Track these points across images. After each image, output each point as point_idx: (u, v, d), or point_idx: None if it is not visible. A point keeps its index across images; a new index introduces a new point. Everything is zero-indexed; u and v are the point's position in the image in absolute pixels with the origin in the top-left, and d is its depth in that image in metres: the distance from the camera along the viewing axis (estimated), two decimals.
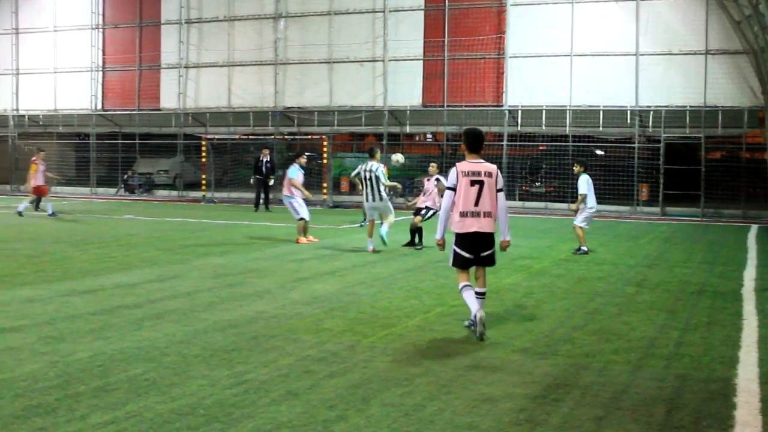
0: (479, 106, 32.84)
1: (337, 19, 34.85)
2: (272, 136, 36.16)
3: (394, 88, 33.77)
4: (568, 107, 31.38)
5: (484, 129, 33.90)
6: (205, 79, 37.65)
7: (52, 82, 40.83)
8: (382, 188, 17.10)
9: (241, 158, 38.82)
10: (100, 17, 39.82)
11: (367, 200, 17.31)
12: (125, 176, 39.86)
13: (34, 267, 14.24)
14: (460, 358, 8.14)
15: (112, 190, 39.54)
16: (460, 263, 9.27)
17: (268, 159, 30.15)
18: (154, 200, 36.58)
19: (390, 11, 33.78)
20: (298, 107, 35.74)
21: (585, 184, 17.72)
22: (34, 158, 26.19)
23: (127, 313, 10.15)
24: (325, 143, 33.46)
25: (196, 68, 37.81)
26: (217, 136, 36.25)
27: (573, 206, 18.39)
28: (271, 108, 36.02)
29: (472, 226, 9.15)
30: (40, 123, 41.78)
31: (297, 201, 18.68)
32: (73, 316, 9.93)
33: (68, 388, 6.87)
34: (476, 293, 9.21)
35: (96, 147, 39.88)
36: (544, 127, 32.01)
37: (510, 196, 32.44)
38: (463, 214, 9.14)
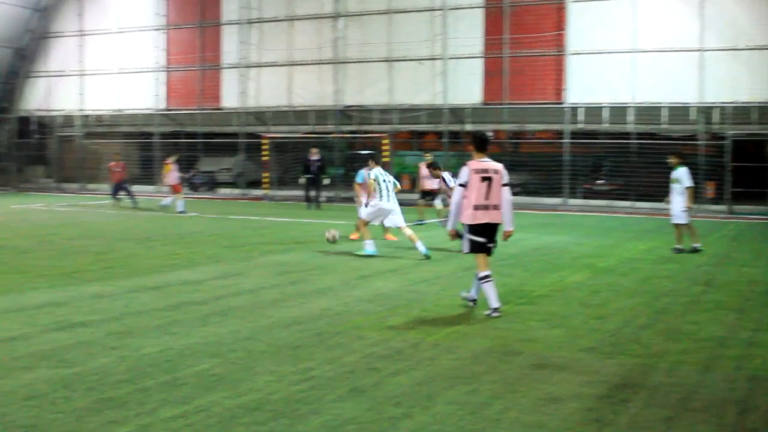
0: (540, 103, 32.59)
1: (397, 17, 34.86)
2: (332, 135, 36.33)
3: (454, 86, 33.67)
4: (630, 104, 30.95)
5: (544, 127, 34.12)
6: (266, 79, 37.96)
7: (117, 83, 41.54)
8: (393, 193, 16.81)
9: (301, 156, 38.98)
10: (164, 18, 40.40)
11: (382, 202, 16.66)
12: (188, 175, 40.35)
13: (103, 264, 14.50)
14: (525, 357, 8.07)
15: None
16: (477, 247, 10.23)
17: (318, 158, 30.32)
18: (217, 198, 36.99)
19: (449, 9, 33.68)
20: (358, 105, 35.84)
21: (688, 176, 17.05)
22: (168, 160, 28.38)
23: (194, 310, 10.28)
24: (385, 141, 33.49)
25: (257, 67, 38.14)
26: (278, 135, 36.52)
27: (687, 203, 17.00)
28: (331, 107, 36.18)
29: (484, 217, 10.14)
30: (106, 123, 42.54)
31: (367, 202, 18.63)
32: (141, 312, 10.09)
33: (138, 382, 6.97)
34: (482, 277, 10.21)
35: (159, 146, 40.45)
36: (605, 125, 31.62)
37: (572, 194, 32.14)
38: (476, 207, 10.10)
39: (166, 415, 6.16)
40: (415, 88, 34.54)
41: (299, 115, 37.31)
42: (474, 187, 10.07)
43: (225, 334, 8.89)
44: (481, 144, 10.38)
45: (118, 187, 30.50)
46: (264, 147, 35.91)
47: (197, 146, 40.07)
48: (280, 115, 37.84)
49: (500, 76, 33.04)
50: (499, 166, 10.28)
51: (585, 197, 32.59)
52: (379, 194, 16.50)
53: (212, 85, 39.38)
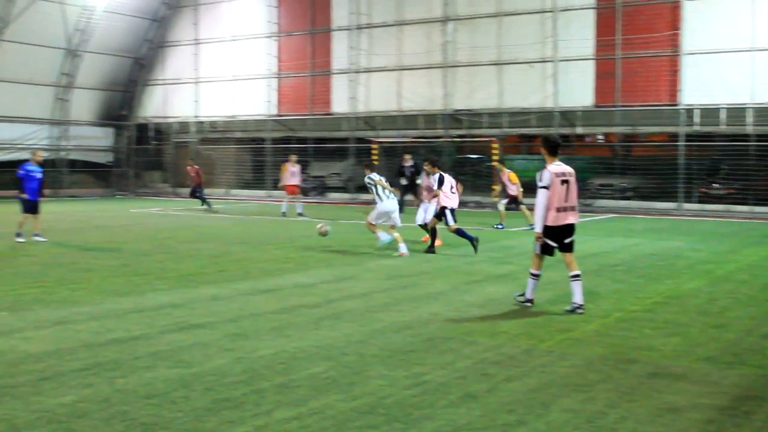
0: (653, 105, 31.82)
1: (506, 20, 34.60)
2: (441, 139, 36.31)
3: (565, 88, 33.19)
4: (748, 105, 29.92)
5: (657, 129, 33.28)
6: (375, 83, 38.21)
7: (230, 90, 42.51)
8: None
9: (396, 162, 39.06)
10: (275, 26, 41.12)
11: (390, 203, 17.27)
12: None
13: (217, 267, 14.86)
14: (641, 365, 7.89)
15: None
16: (545, 250, 10.73)
17: (411, 164, 30.39)
18: (327, 202, 37.43)
19: (560, 11, 33.24)
20: (468, 109, 35.71)
21: None
22: (287, 162, 29.07)
23: (306, 313, 10.43)
24: (494, 145, 33.28)
25: (367, 73, 38.43)
26: (387, 139, 36.73)
27: None
28: (440, 111, 36.15)
29: (567, 218, 10.67)
30: (219, 129, 43.59)
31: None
32: (255, 315, 10.29)
33: (253, 384, 7.11)
34: (573, 276, 10.63)
35: (271, 151, 41.18)
36: (722, 126, 30.66)
37: (688, 199, 31.26)
38: (558, 209, 10.56)
39: (281, 416, 6.26)
40: (525, 91, 34.20)
41: (408, 120, 37.42)
42: (555, 190, 10.54)
43: (337, 337, 8.98)
44: (555, 148, 10.88)
45: (195, 191, 31.75)
46: (373, 151, 36.17)
47: (308, 151, 40.61)
48: (389, 120, 38.04)
49: (612, 78, 32.41)
50: (571, 169, 10.91)
51: (700, 201, 31.62)
52: (379, 197, 17.23)
53: (323, 91, 39.88)
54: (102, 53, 42.82)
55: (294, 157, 29.39)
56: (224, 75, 42.65)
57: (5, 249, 17.45)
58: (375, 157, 36.02)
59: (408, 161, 30.31)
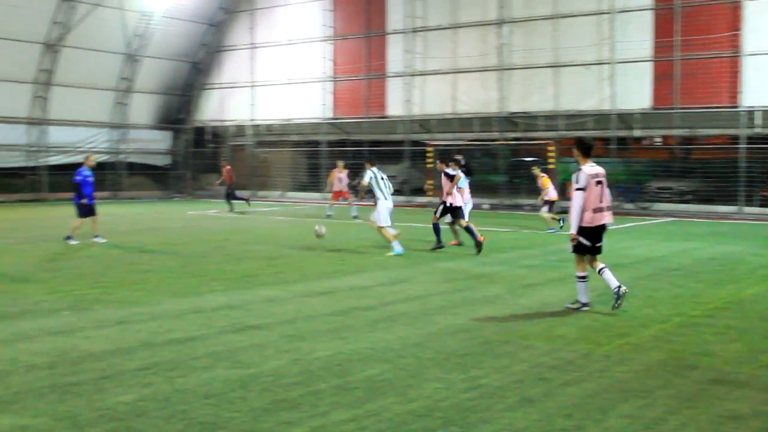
0: (713, 107, 31.27)
1: (563, 22, 34.31)
2: (497, 142, 36.14)
3: (622, 90, 32.79)
4: None
5: (717, 131, 32.75)
6: (430, 86, 38.18)
7: (286, 93, 42.81)
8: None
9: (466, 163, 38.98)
10: (331, 29, 41.32)
11: (386, 199, 17.55)
12: (354, 182, 40.99)
13: (273, 269, 14.97)
14: (701, 371, 7.77)
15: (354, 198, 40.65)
16: (582, 250, 10.86)
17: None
18: None
19: (617, 12, 32.87)
20: (523, 112, 35.50)
21: None
22: (334, 168, 29.83)
23: (362, 315, 10.46)
24: (550, 148, 33.04)
25: (422, 76, 38.42)
26: (442, 142, 36.66)
27: None
28: (495, 113, 35.99)
29: (602, 219, 10.85)
30: (275, 132, 43.93)
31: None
32: (312, 317, 10.34)
33: (310, 385, 7.15)
34: (600, 270, 10.90)
35: (326, 154, 41.37)
36: None
37: (748, 202, 30.70)
38: (594, 210, 10.76)
39: (337, 418, 6.28)
40: (581, 94, 33.89)
41: (463, 123, 37.31)
42: (591, 191, 10.74)
43: (393, 339, 8.98)
44: (589, 150, 11.09)
45: (230, 190, 32.41)
46: (428, 154, 36.13)
47: (363, 154, 40.67)
48: (444, 123, 37.99)
49: (671, 80, 31.95)
50: (603, 170, 11.08)
51: (762, 205, 31.01)
52: (382, 194, 17.42)
53: (378, 94, 39.98)
54: (160, 58, 43.49)
55: (341, 164, 29.83)
56: (280, 79, 42.98)
57: (66, 250, 17.78)
58: (429, 161, 36.01)
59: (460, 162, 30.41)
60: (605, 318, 10.39)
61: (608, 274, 10.93)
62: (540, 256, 17.19)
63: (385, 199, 17.44)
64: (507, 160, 38.12)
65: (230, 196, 32.30)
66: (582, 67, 33.83)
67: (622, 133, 33.52)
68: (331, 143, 41.78)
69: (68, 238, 19.00)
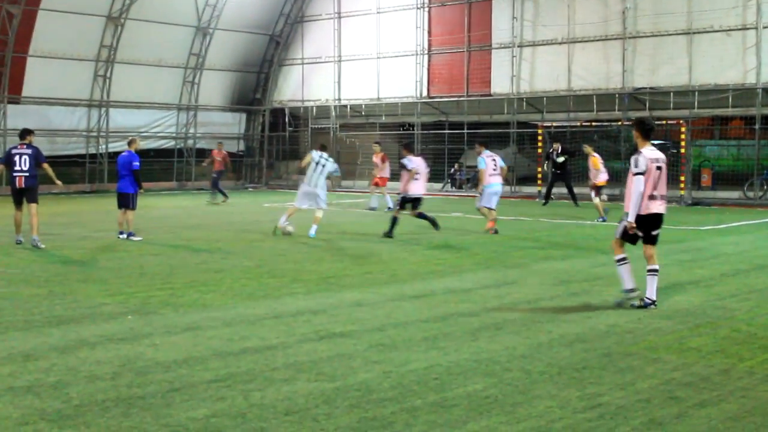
0: None
1: None
2: (619, 122, 35.65)
3: None
4: None
5: None
6: (542, 59, 37.87)
7: (375, 69, 43.00)
8: (323, 178, 20.39)
9: (549, 150, 38.64)
10: None
11: (308, 184, 20.46)
12: (452, 170, 41.06)
13: (361, 268, 15.10)
14: None
15: (438, 185, 40.84)
16: (629, 238, 11.45)
17: (560, 152, 30.51)
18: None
19: None
20: (650, 87, 34.91)
21: None
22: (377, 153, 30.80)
23: (462, 322, 10.46)
24: (683, 129, 32.44)
25: (532, 47, 38.14)
26: (555, 124, 36.36)
27: None
28: (618, 90, 35.49)
29: (658, 207, 11.37)
30: (363, 113, 44.16)
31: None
32: (404, 323, 10.39)
33: (404, 401, 7.18)
34: (650, 270, 11.39)
35: (421, 138, 41.42)
36: None
37: None
38: (650, 197, 11.25)
39: None
40: (720, 65, 33.13)
41: (580, 101, 36.92)
42: (651, 177, 11.28)
43: (498, 350, 8.96)
44: (650, 131, 11.65)
45: (220, 176, 32.57)
46: (539, 137, 35.87)
47: (463, 138, 40.61)
48: (557, 101, 37.65)
49: None
50: (663, 155, 11.66)
51: None
52: (308, 177, 20.30)
53: (480, 69, 39.79)
54: (234, 30, 44.16)
55: (377, 147, 30.97)
56: (369, 53, 43.20)
57: (132, 247, 18.23)
58: (540, 145, 35.74)
59: (557, 149, 30.69)
60: (747, 328, 10.17)
61: (653, 282, 11.40)
62: (669, 255, 16.89)
63: (306, 183, 20.57)
64: (631, 143, 37.54)
65: (216, 185, 32.43)
66: (722, 33, 33.05)
67: None
68: (426, 125, 41.82)
69: (130, 234, 19.45)
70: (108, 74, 39.99)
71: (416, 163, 20.54)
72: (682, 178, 32.43)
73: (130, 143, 20.41)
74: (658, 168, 11.35)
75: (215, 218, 25.43)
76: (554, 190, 31.95)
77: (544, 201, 31.77)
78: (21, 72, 37.64)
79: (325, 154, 20.67)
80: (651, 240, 11.51)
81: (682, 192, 32.15)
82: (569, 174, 31.39)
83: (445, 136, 41.33)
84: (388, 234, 19.88)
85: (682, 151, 32.90)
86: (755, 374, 8.12)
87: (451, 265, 15.58)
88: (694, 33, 33.61)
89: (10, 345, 9.11)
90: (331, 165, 20.63)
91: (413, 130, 41.98)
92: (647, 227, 11.37)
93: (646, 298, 11.34)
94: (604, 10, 35.90)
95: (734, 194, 33.34)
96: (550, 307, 11.54)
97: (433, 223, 20.53)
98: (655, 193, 11.29)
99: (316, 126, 45.47)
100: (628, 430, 6.50)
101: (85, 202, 33.17)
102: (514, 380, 7.86)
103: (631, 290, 11.42)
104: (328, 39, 44.73)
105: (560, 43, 37.18)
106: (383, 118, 43.55)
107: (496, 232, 20.57)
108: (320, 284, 13.37)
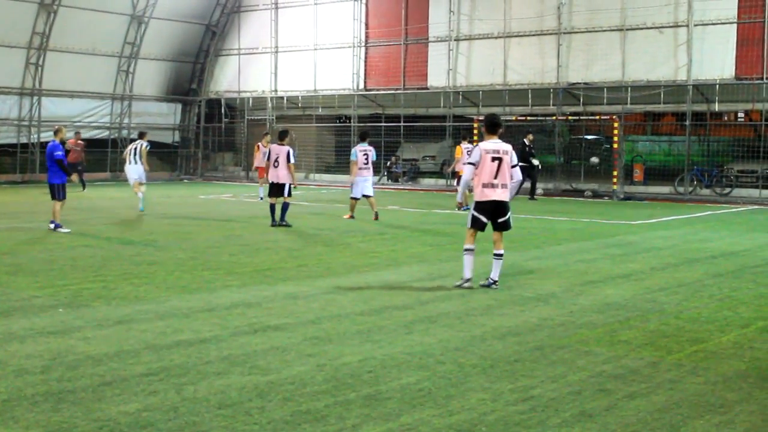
0: None
1: None
2: (554, 117, 35.98)
3: (701, 58, 32.50)
4: None
5: None
6: (478, 53, 38.07)
7: (312, 60, 42.93)
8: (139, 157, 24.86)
9: (515, 142, 38.88)
10: None
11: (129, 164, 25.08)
12: (388, 163, 41.12)
13: (296, 261, 15.06)
14: None
15: (374, 178, 40.83)
16: (478, 225, 12.49)
17: (531, 144, 30.90)
18: (420, 189, 37.52)
19: None
20: (585, 83, 35.29)
21: None
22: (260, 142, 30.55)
23: (397, 315, 10.50)
24: (615, 124, 32.85)
25: (468, 41, 38.33)
26: None
27: None
28: (552, 84, 35.84)
29: (497, 195, 12.32)
30: (300, 105, 44.04)
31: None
32: (339, 316, 10.40)
33: (338, 395, 7.19)
34: (495, 254, 12.52)
35: (357, 130, 41.38)
36: None
37: None
38: (484, 185, 12.31)
39: None
40: (652, 62, 33.60)
41: (515, 95, 37.18)
42: (485, 167, 12.28)
43: (432, 343, 9.01)
44: (492, 126, 12.69)
45: (74, 168, 30.46)
46: (475, 131, 36.07)
47: (399, 131, 40.70)
48: (493, 95, 37.87)
49: (759, 46, 31.57)
50: (509, 147, 12.62)
51: None
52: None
53: (417, 62, 39.90)
54: (170, 19, 43.79)
55: (267, 137, 30.24)
56: (306, 44, 43.12)
57: (63, 239, 17.99)
58: (476, 138, 35.96)
59: (530, 141, 31.00)
60: (676, 321, 10.34)
61: (496, 265, 12.57)
62: (601, 249, 17.14)
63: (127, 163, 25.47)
64: (565, 138, 37.99)
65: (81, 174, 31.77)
66: (654, 30, 33.53)
67: (700, 108, 33.26)
68: (362, 118, 41.84)
69: (57, 226, 19.17)
70: (40, 62, 39.42)
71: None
72: (615, 173, 32.86)
73: (55, 132, 20.13)
74: (495, 159, 12.30)
75: (149, 210, 25.19)
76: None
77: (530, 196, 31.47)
78: None
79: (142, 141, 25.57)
80: (498, 227, 12.52)
81: (615, 187, 32.58)
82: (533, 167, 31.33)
83: (381, 129, 41.35)
84: (273, 223, 20.69)
85: (615, 146, 33.34)
86: (683, 366, 8.25)
87: (386, 258, 15.60)
88: (628, 30, 34.06)
89: None
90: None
91: (350, 122, 41.95)
92: (490, 214, 12.40)
93: (490, 278, 12.56)
94: (540, 6, 36.18)
95: (665, 189, 33.84)
96: (483, 300, 11.60)
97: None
98: (494, 181, 12.29)
99: (252, 117, 45.23)
100: (558, 422, 6.58)
101: (15, 193, 32.64)
102: (447, 373, 7.90)
103: (467, 279, 12.46)
104: (265, 29, 44.54)
105: (496, 38, 37.41)
106: (320, 110, 43.48)
107: (352, 218, 22.58)
108: (255, 277, 13.31)
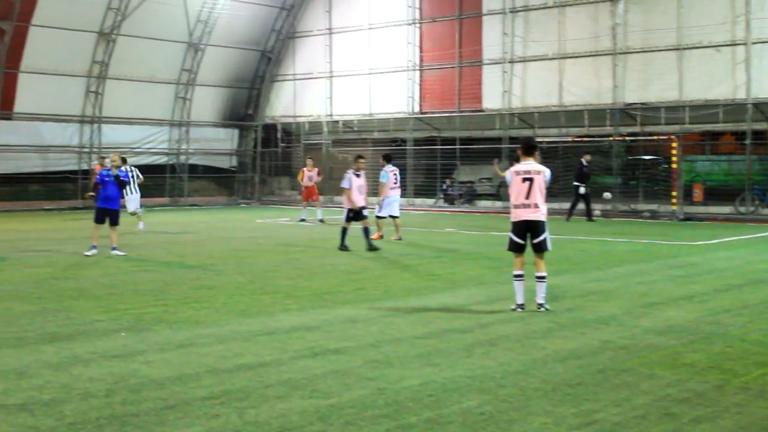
0: None
1: None
2: (610, 138, 35.70)
3: (760, 76, 32.09)
4: None
5: None
6: (533, 75, 37.96)
7: (367, 85, 43.11)
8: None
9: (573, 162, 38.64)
10: (417, 11, 41.46)
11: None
12: (444, 185, 41.08)
13: (355, 284, 15.08)
14: None
15: (430, 201, 40.92)
16: (514, 247, 12.58)
17: (588, 164, 30.70)
18: (476, 212, 37.41)
19: None
20: (641, 103, 35.01)
21: None
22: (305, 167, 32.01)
23: (457, 338, 10.45)
24: (674, 144, 32.52)
25: (522, 62, 38.24)
26: (546, 139, 36.40)
27: None
28: (609, 105, 35.60)
29: (529, 215, 12.39)
30: (355, 128, 44.19)
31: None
32: (399, 339, 10.37)
33: (399, 418, 7.15)
34: (537, 277, 12.46)
35: (413, 153, 41.46)
36: None
37: None
38: (516, 206, 12.50)
39: None
40: (710, 81, 33.25)
41: (571, 116, 36.99)
42: (515, 187, 12.46)
43: (493, 367, 8.95)
44: (527, 149, 12.83)
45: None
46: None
47: (455, 153, 40.64)
48: (548, 116, 37.72)
49: None
50: (542, 168, 12.63)
51: None
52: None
53: (472, 84, 39.88)
54: (226, 46, 44.32)
55: (310, 162, 32.07)
56: (360, 68, 43.30)
57: (125, 264, 18.19)
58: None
59: (588, 161, 30.90)
60: (741, 344, 10.16)
61: (539, 288, 12.43)
62: (662, 270, 16.94)
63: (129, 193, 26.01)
64: (622, 159, 37.66)
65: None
66: (711, 49, 33.19)
67: (760, 126, 32.79)
68: (418, 141, 41.84)
69: (114, 249, 19.44)
70: (100, 90, 40.08)
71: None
72: (674, 194, 32.52)
73: (104, 162, 20.43)
74: (526, 180, 12.42)
75: (208, 234, 25.39)
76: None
77: (568, 217, 31.25)
78: (12, 88, 37.67)
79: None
80: (535, 248, 12.46)
81: (674, 207, 32.23)
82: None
83: (437, 152, 41.34)
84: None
85: (674, 166, 32.99)
86: (750, 390, 8.11)
87: (445, 281, 15.58)
88: (684, 49, 33.75)
89: (2, 362, 9.07)
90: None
91: (405, 145, 41.98)
92: (524, 234, 12.48)
93: (537, 303, 12.42)
94: (594, 26, 36.04)
95: (726, 209, 33.40)
96: (544, 322, 11.51)
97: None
98: (526, 201, 12.39)
99: (308, 141, 45.45)
100: None
101: (78, 219, 33.07)
102: (508, 397, 7.83)
103: (519, 305, 12.38)
104: (319, 54, 44.86)
105: (551, 59, 37.28)
106: (375, 133, 43.60)
107: (381, 237, 23.05)
108: (314, 300, 13.34)
